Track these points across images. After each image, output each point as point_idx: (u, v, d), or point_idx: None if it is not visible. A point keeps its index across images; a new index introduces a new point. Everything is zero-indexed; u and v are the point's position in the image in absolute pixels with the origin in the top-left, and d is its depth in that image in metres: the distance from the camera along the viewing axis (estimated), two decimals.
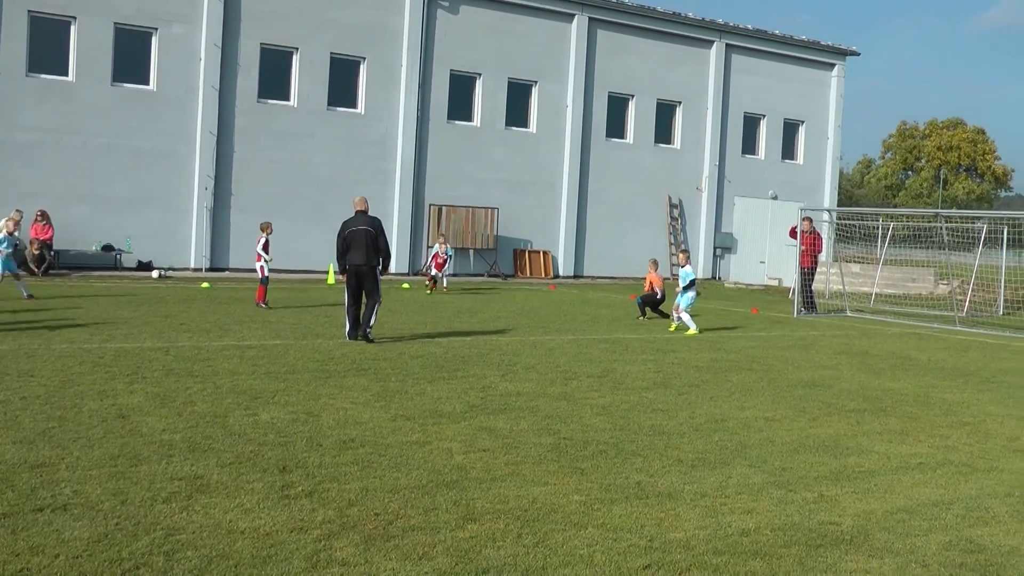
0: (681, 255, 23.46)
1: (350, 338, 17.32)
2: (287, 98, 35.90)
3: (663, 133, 44.22)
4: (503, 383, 13.68)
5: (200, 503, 7.50)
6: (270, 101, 35.46)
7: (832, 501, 8.56)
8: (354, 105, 37.11)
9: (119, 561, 6.24)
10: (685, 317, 21.79)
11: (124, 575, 6.04)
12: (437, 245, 30.88)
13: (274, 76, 35.59)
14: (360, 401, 11.85)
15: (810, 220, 29.38)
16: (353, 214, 17.92)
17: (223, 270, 34.28)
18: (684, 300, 21.92)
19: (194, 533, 6.83)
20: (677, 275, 22.56)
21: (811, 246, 28.81)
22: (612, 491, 8.47)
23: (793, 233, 29.45)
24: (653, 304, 25.24)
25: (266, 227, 23.46)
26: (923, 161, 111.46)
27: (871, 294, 35.60)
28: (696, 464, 9.62)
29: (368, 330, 17.39)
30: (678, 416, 11.99)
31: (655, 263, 25.89)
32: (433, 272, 30.68)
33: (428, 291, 30.00)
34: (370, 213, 18.08)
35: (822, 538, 7.50)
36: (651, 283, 25.57)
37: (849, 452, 10.57)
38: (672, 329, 21.99)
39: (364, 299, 17.64)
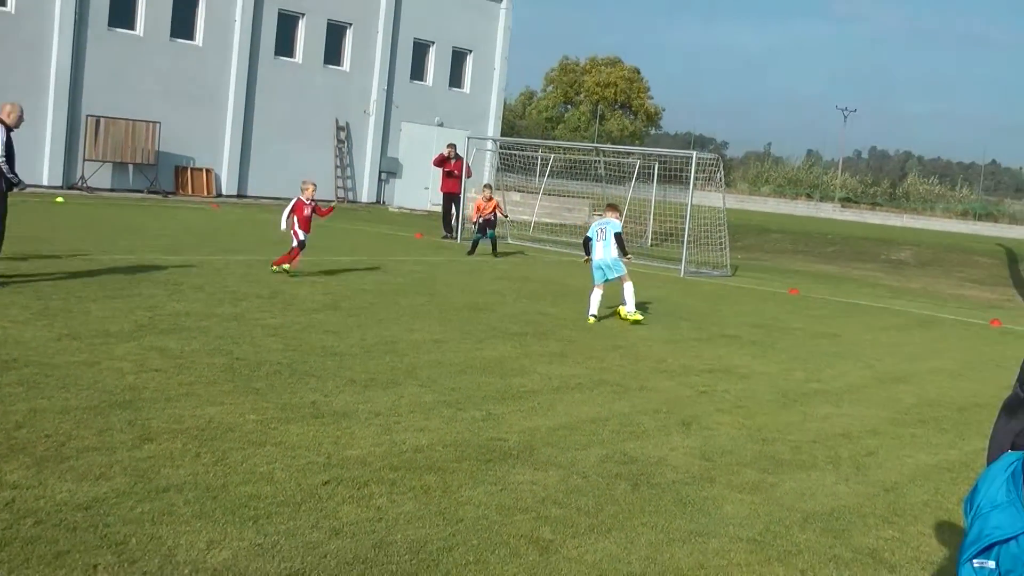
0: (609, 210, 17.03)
1: None
2: None
3: (333, 55, 43.84)
4: (171, 303, 13.42)
5: None
6: None
7: (499, 419, 9.01)
8: (2, 3, 34.67)
9: None
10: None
11: None
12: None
13: None
14: (20, 320, 11.34)
15: (454, 147, 30.20)
16: (7, 122, 14.62)
17: None
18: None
19: None
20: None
21: (459, 172, 29.63)
22: (288, 411, 8.57)
23: (439, 160, 30.12)
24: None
25: None
26: (582, 96, 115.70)
27: (531, 223, 36.89)
28: (369, 384, 9.85)
29: None
30: (349, 338, 12.18)
31: (489, 187, 26.31)
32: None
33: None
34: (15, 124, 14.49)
35: (491, 453, 7.91)
36: (479, 209, 25.58)
37: (513, 373, 11.10)
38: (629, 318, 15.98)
39: None
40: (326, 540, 5.86)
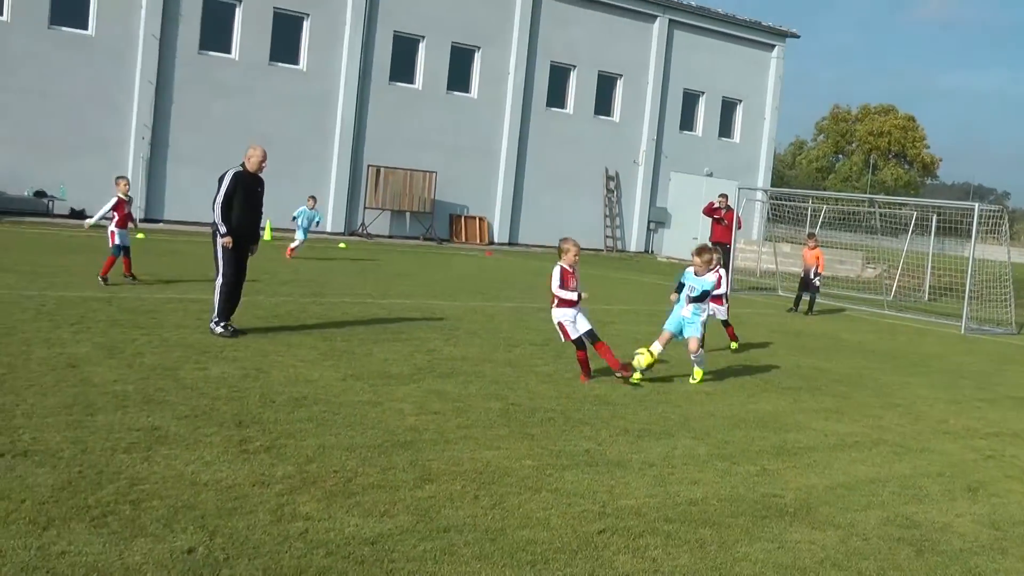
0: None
1: (235, 332, 13.23)
2: (228, 51, 35.53)
3: (603, 105, 44.43)
4: (448, 347, 13.81)
5: (160, 454, 7.57)
6: (211, 53, 35.07)
7: (774, 475, 8.83)
8: (296, 62, 36.83)
9: (86, 508, 6.30)
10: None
11: (92, 522, 6.10)
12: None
13: (216, 28, 35.19)
14: (308, 359, 11.92)
15: (726, 197, 29.88)
16: (247, 166, 13.57)
17: (158, 221, 33.93)
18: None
19: (157, 483, 6.91)
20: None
21: (730, 222, 29.30)
22: (563, 457, 8.66)
23: (709, 210, 29.86)
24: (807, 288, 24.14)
25: (121, 182, 18.68)
26: (854, 145, 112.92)
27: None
28: (642, 434, 9.84)
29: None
30: (621, 387, 12.19)
31: (813, 236, 25.51)
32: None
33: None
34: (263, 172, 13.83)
35: (767, 510, 7.76)
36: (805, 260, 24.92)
37: (787, 428, 10.86)
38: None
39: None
40: None
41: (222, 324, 13.17)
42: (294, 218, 26.49)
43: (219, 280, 13.31)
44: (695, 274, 13.01)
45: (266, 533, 6.20)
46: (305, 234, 26.23)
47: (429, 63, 39.55)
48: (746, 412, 11.49)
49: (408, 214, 38.93)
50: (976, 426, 12.18)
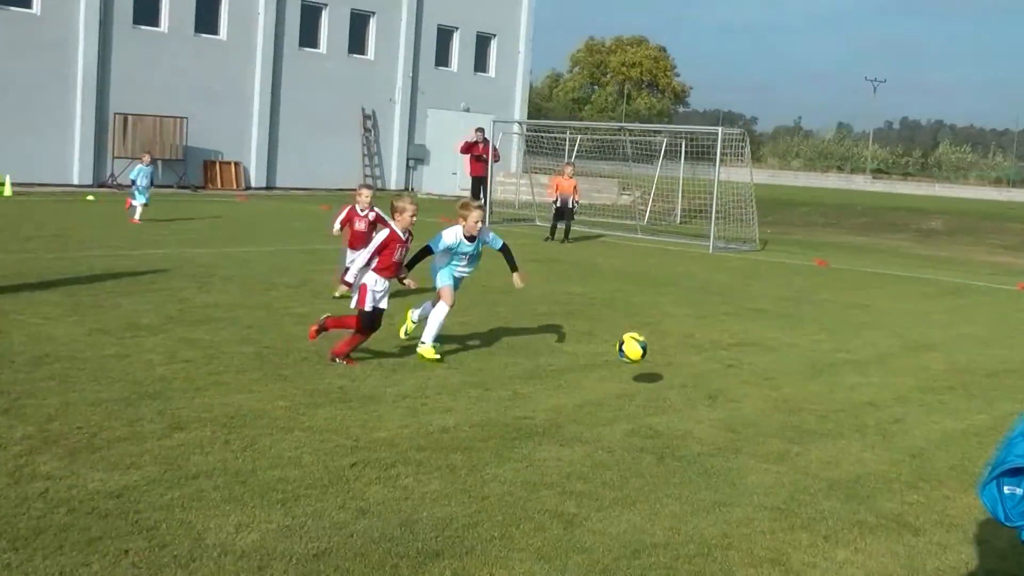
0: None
1: None
2: None
3: (357, 43, 43.93)
4: (201, 295, 13.56)
5: None
6: None
7: (526, 398, 9.08)
8: (28, 5, 34.91)
9: None
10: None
11: None
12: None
13: None
14: (52, 316, 11.49)
15: (482, 131, 30.28)
16: None
17: None
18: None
19: None
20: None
21: (488, 157, 29.76)
22: (316, 396, 8.67)
23: (466, 147, 30.17)
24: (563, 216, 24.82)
25: None
26: (608, 76, 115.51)
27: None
28: (396, 368, 9.94)
29: None
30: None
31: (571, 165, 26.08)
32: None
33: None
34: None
35: (517, 431, 7.98)
36: (558, 187, 25.20)
37: (541, 352, 11.16)
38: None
39: None
40: (353, 520, 5.95)
41: None
42: (133, 180, 24.19)
43: None
44: (466, 237, 10.97)
45: (2, 497, 5.99)
46: (145, 194, 23.80)
47: (174, 4, 38.12)
48: (500, 339, 11.74)
49: (160, 162, 37.68)
50: (720, 338, 12.81)
